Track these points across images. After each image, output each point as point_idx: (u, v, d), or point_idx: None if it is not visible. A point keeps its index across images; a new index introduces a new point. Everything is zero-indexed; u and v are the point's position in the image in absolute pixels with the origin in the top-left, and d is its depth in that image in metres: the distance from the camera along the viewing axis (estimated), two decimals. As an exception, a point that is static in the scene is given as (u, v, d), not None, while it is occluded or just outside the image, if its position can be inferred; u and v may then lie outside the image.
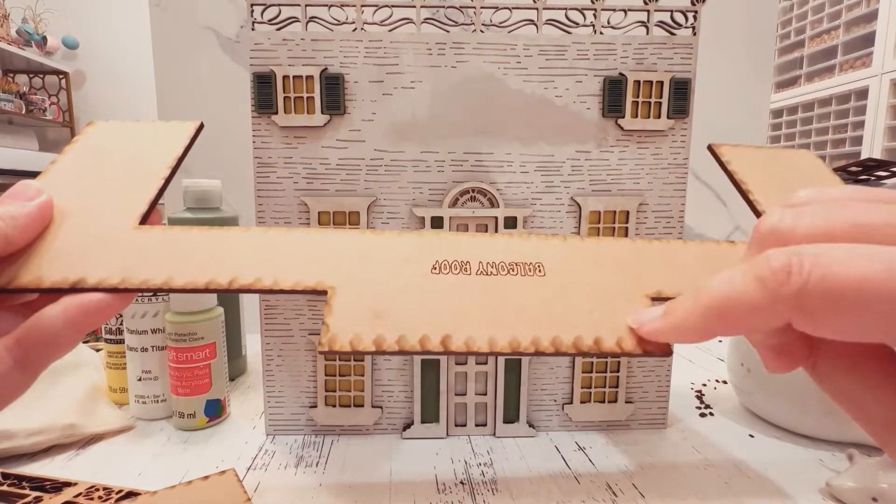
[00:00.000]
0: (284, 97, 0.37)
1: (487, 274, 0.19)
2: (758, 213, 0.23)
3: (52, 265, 0.19)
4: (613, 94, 0.38)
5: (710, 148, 0.26)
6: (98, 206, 0.21)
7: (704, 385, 0.53)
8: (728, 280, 0.14)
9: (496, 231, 0.39)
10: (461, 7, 0.60)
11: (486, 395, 0.42)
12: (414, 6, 0.38)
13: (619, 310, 0.18)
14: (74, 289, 0.19)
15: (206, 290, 0.19)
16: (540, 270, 0.19)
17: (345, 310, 0.18)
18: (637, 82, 0.38)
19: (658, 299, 0.19)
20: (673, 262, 0.20)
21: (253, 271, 0.19)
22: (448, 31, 0.38)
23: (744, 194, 0.24)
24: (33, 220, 0.20)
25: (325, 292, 0.18)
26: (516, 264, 0.19)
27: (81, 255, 0.19)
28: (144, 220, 0.21)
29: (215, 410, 0.42)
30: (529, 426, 0.42)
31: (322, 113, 0.38)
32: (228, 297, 0.51)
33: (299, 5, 0.37)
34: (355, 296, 0.18)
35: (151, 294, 0.42)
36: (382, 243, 0.20)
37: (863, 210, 0.13)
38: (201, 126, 0.25)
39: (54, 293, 0.19)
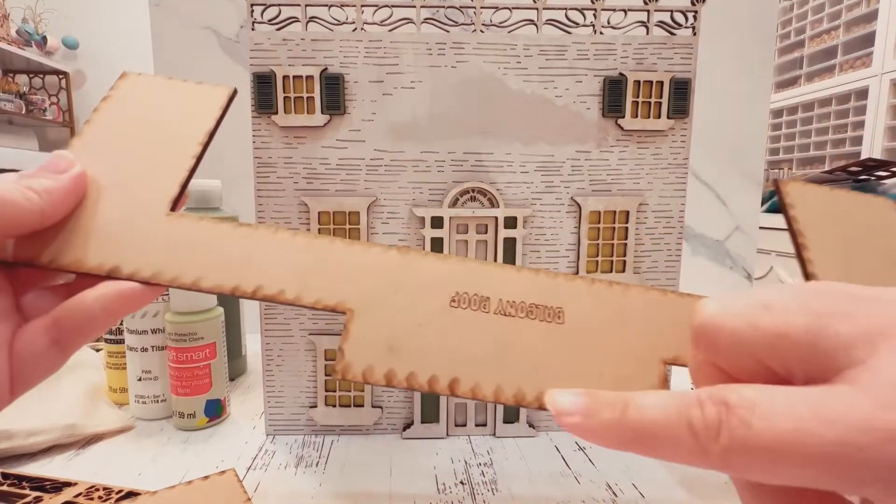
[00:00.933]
0: (284, 97, 0.37)
1: (505, 314, 0.19)
2: (807, 275, 0.21)
3: (90, 249, 0.20)
4: (613, 94, 0.38)
5: (775, 184, 0.23)
6: (131, 183, 0.21)
7: (704, 385, 0.53)
8: (662, 410, 0.14)
9: (496, 231, 0.39)
10: (461, 7, 0.60)
11: (486, 395, 0.42)
12: (414, 6, 0.38)
13: (630, 375, 0.18)
14: (110, 276, 0.19)
15: (232, 295, 0.19)
16: (559, 317, 0.19)
17: (361, 338, 0.18)
18: (637, 82, 0.38)
19: (674, 364, 0.19)
20: None
21: (277, 282, 0.19)
22: (448, 31, 0.38)
23: (797, 248, 0.21)
24: (67, 194, 0.20)
25: (343, 313, 0.19)
26: (536, 307, 0.19)
27: (116, 241, 0.20)
28: (175, 203, 0.21)
29: (215, 410, 0.42)
30: (529, 426, 0.42)
31: (322, 113, 0.38)
32: (228, 297, 0.50)
33: (299, 5, 0.37)
34: (372, 324, 0.19)
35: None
36: (406, 265, 0.20)
37: (788, 320, 0.13)
38: (235, 92, 0.25)
39: (91, 278, 0.20)
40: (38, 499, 0.31)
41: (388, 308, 0.19)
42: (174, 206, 0.21)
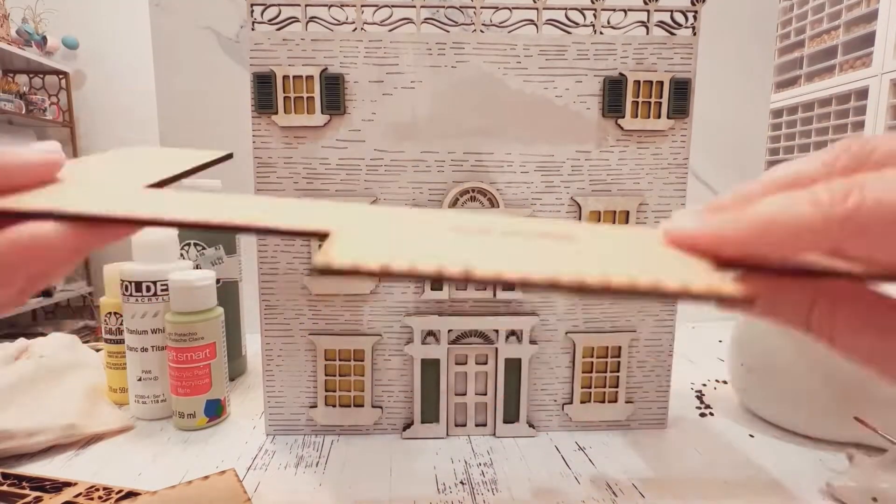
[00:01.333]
0: (284, 97, 0.37)
1: (514, 235, 0.16)
2: None
3: (33, 199, 0.17)
4: (613, 94, 0.38)
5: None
6: (106, 179, 0.21)
7: (704, 385, 0.53)
8: (780, 199, 0.14)
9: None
10: (461, 7, 0.60)
11: (486, 395, 0.42)
12: (414, 6, 0.38)
13: (673, 266, 0.14)
14: (21, 213, 0.16)
15: (196, 226, 0.17)
16: (570, 239, 0.16)
17: (349, 236, 0.15)
18: (637, 82, 0.38)
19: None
20: None
21: (248, 217, 0.17)
22: (448, 31, 0.38)
23: None
24: (30, 160, 0.18)
25: (326, 235, 0.15)
26: (543, 234, 0.16)
27: (61, 192, 0.18)
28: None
29: (215, 410, 0.42)
30: (529, 426, 0.42)
31: (322, 113, 0.38)
32: (228, 297, 0.50)
33: (299, 5, 0.37)
34: (362, 231, 0.16)
35: (151, 294, 0.42)
36: (394, 211, 0.18)
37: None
38: (229, 156, 0.25)
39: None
40: (38, 499, 0.31)
41: (381, 229, 0.16)
42: None
